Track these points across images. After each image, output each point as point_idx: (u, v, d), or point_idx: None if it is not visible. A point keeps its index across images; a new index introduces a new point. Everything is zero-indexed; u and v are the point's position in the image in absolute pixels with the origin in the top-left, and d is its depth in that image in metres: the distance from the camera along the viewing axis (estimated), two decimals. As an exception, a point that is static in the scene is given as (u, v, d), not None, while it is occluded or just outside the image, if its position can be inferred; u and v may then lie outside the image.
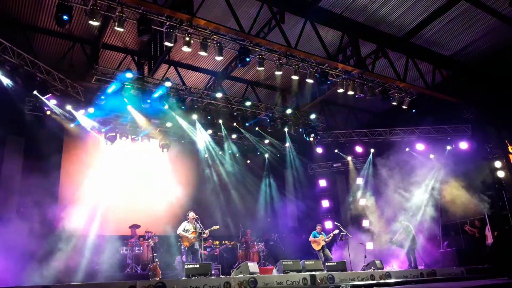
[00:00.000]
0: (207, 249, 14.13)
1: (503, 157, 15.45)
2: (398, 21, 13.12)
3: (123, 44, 13.75)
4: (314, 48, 13.05)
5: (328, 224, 17.99)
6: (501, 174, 15.06)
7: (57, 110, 13.14)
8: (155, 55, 12.61)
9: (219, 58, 11.77)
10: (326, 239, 13.43)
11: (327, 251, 13.40)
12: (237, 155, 18.26)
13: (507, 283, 8.71)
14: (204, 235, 11.14)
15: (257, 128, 16.73)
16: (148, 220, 14.37)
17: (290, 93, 17.19)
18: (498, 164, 15.10)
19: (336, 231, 13.70)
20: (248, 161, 18.79)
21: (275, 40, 12.06)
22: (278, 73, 12.68)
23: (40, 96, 12.22)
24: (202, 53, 11.24)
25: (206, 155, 17.40)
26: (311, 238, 13.60)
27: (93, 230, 13.70)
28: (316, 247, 13.46)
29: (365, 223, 17.43)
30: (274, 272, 10.72)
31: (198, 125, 15.80)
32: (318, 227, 13.94)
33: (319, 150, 18.62)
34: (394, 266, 15.07)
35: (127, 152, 15.69)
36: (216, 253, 14.76)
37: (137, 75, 13.62)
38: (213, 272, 9.57)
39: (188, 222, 11.18)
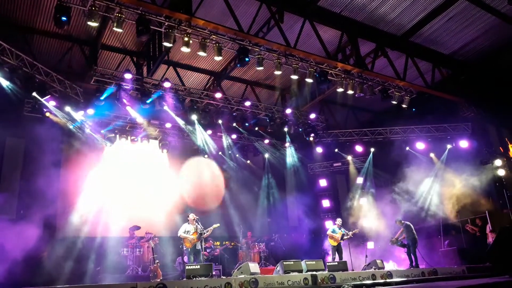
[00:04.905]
0: (207, 250, 14.10)
1: (503, 155, 15.42)
2: (397, 20, 13.11)
3: (122, 45, 13.73)
4: (313, 48, 13.05)
5: (329, 224, 17.94)
6: (501, 172, 15.04)
7: (56, 111, 13.10)
8: (154, 56, 12.58)
9: (218, 58, 11.76)
10: (346, 236, 13.40)
11: (341, 250, 13.35)
12: (237, 155, 18.23)
13: (508, 281, 8.68)
14: (206, 234, 11.13)
15: (256, 128, 16.70)
16: (149, 221, 14.34)
17: (290, 93, 17.17)
18: (498, 162, 15.07)
19: (357, 230, 13.86)
20: (248, 161, 18.77)
21: (274, 39, 12.05)
22: (278, 72, 12.66)
23: (39, 98, 12.18)
24: (201, 53, 11.23)
25: (206, 156, 17.37)
26: (329, 232, 13.57)
27: (94, 232, 13.71)
28: (332, 243, 13.41)
29: (365, 223, 17.39)
30: (275, 272, 10.69)
31: (197, 125, 15.77)
32: (338, 222, 13.86)
33: (319, 149, 18.61)
34: (395, 265, 15.06)
35: (126, 153, 15.65)
36: (216, 253, 14.73)
37: (136, 75, 13.62)
38: (214, 273, 9.54)
39: (188, 223, 11.16)
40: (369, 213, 17.59)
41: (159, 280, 10.96)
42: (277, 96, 17.68)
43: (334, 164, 19.79)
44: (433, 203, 16.51)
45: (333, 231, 13.51)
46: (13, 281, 9.94)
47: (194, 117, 14.81)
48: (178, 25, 10.77)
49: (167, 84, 13.55)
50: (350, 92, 13.81)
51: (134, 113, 14.52)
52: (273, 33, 12.22)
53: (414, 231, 13.11)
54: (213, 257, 14.38)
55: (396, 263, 15.30)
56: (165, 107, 14.07)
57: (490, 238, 13.84)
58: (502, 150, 15.68)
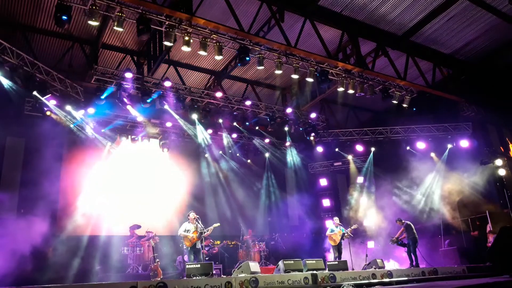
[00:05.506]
0: (206, 248, 14.08)
1: (504, 155, 15.42)
2: (397, 20, 13.11)
3: (123, 44, 13.73)
4: (314, 47, 13.04)
5: (329, 224, 17.95)
6: (502, 172, 15.03)
7: (57, 110, 13.11)
8: (154, 55, 12.59)
9: (218, 58, 11.76)
10: (346, 235, 13.40)
11: (341, 250, 13.38)
12: (238, 154, 18.25)
13: (509, 281, 8.69)
14: (207, 233, 11.13)
15: (257, 128, 16.72)
16: (149, 220, 14.35)
17: (290, 92, 17.18)
18: (499, 162, 15.07)
19: (356, 225, 13.95)
20: (249, 161, 18.79)
21: (275, 39, 12.05)
22: (278, 72, 12.66)
23: (40, 97, 12.18)
24: (202, 53, 11.22)
25: (206, 155, 17.39)
26: (328, 233, 13.63)
27: (94, 231, 13.73)
28: (332, 243, 13.47)
29: (366, 222, 17.41)
30: (276, 271, 10.69)
31: (198, 124, 15.77)
32: (336, 220, 13.88)
33: (319, 149, 18.61)
34: (395, 265, 15.07)
35: (127, 152, 15.66)
36: (214, 251, 14.72)
37: (137, 75, 13.62)
38: (214, 272, 9.54)
39: (188, 222, 11.15)
40: (369, 212, 17.61)
41: (159, 279, 10.96)
42: (278, 95, 17.68)
43: (335, 164, 19.79)
44: (433, 202, 16.52)
45: (332, 231, 13.54)
46: (12, 280, 9.94)
47: (194, 116, 14.80)
48: (179, 24, 10.77)
49: (167, 83, 13.56)
50: (350, 91, 13.81)
51: (134, 112, 14.52)
52: (273, 33, 12.23)
53: (414, 231, 13.11)
54: (211, 255, 14.38)
55: (397, 263, 15.30)
56: (166, 106, 14.07)
57: (491, 238, 13.85)
58: (502, 150, 15.69)
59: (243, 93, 16.69)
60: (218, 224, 11.70)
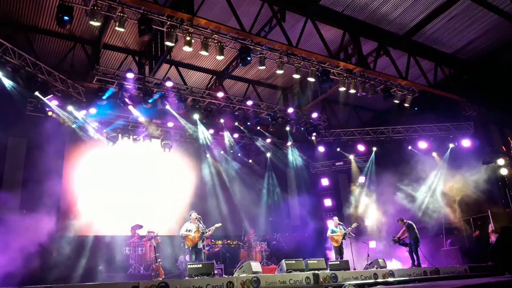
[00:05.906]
0: (206, 247, 14.05)
1: (506, 154, 15.39)
2: (399, 19, 13.10)
3: (124, 44, 13.75)
4: (315, 47, 13.05)
5: (331, 224, 17.92)
6: (504, 171, 15.00)
7: (59, 110, 13.13)
8: (156, 55, 12.58)
9: (220, 58, 11.78)
10: (347, 235, 13.39)
11: (343, 250, 13.39)
12: (239, 154, 18.25)
13: (510, 280, 8.69)
14: (208, 233, 11.13)
15: (258, 127, 16.71)
16: (151, 220, 14.35)
17: (292, 92, 17.18)
18: (501, 161, 15.04)
19: (356, 224, 13.97)
20: (250, 161, 18.78)
21: (276, 38, 12.06)
22: (279, 72, 12.68)
23: (42, 97, 12.20)
24: (203, 53, 11.24)
25: (208, 155, 17.39)
26: (329, 234, 13.64)
27: (96, 231, 13.74)
28: (335, 244, 13.48)
29: (367, 222, 17.39)
30: (277, 271, 10.69)
31: (199, 124, 15.78)
32: (335, 220, 13.90)
33: (321, 149, 18.59)
34: (398, 264, 15.05)
35: (128, 152, 15.67)
36: (216, 250, 14.69)
37: (138, 75, 13.64)
38: (215, 271, 9.55)
39: (190, 222, 11.16)
40: (371, 212, 17.59)
41: (161, 279, 10.97)
42: (279, 95, 17.68)
43: (336, 163, 19.79)
44: (435, 202, 16.49)
45: (332, 232, 13.56)
46: (14, 280, 9.96)
47: (196, 116, 14.80)
48: (180, 25, 10.78)
49: (169, 84, 13.57)
50: (352, 91, 13.82)
51: (136, 112, 14.51)
52: (275, 32, 12.24)
53: (416, 230, 13.10)
54: (212, 254, 14.38)
55: (399, 262, 15.29)
56: (167, 107, 14.08)
57: (493, 238, 13.83)
58: (504, 149, 15.65)
59: (244, 93, 16.71)
60: (220, 224, 11.72)
